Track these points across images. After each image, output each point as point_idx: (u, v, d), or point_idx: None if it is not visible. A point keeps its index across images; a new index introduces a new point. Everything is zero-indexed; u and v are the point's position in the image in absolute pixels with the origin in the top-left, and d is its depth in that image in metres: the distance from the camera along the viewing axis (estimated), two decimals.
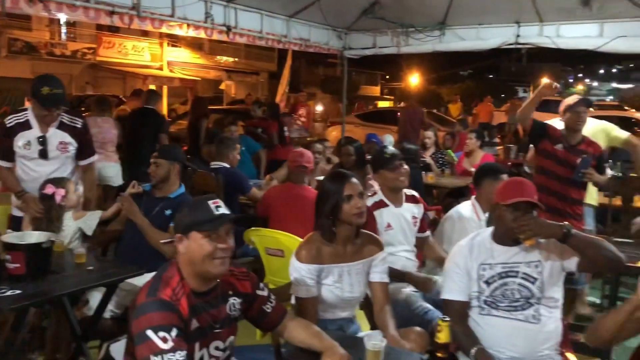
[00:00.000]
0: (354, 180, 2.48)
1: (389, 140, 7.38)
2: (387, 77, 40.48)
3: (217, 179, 4.27)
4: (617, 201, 4.87)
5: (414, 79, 36.45)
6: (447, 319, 1.71)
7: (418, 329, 2.50)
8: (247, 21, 6.24)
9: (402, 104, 10.55)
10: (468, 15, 6.79)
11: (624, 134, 4.69)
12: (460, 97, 20.74)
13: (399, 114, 10.38)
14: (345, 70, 8.13)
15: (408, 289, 3.12)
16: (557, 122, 4.25)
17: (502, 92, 39.46)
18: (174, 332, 1.71)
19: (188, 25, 5.50)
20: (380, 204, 3.24)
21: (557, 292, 2.43)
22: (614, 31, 6.20)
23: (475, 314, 2.43)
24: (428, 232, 3.42)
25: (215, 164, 4.60)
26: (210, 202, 1.91)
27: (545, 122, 4.34)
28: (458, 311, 2.42)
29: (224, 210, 1.92)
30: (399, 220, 3.26)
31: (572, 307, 4.22)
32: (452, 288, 2.47)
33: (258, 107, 8.52)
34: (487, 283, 2.41)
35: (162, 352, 1.67)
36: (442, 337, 1.68)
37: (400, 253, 3.25)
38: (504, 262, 2.41)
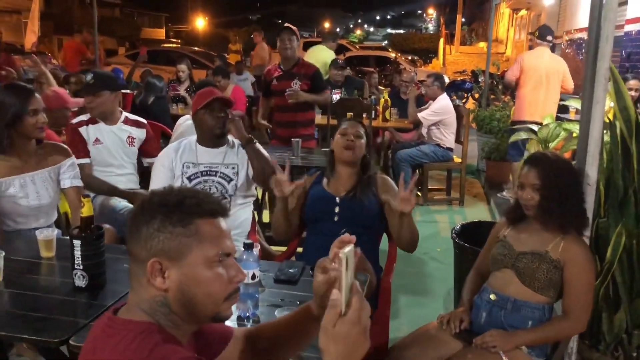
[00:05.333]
0: (39, 96, 2.55)
1: None
2: (173, 19, 39.05)
3: None
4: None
5: (200, 22, 35.86)
6: (90, 195, 1.94)
7: (107, 225, 2.73)
8: None
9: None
10: None
11: None
12: (246, 41, 21.01)
13: None
14: (94, 3, 7.74)
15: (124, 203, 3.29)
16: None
17: None
18: None
19: None
20: (89, 121, 3.31)
21: (250, 191, 2.90)
22: None
23: None
24: (154, 159, 3.37)
25: None
26: None
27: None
28: None
29: None
30: (110, 136, 3.33)
31: None
32: (156, 184, 2.77)
33: None
34: (190, 179, 2.78)
35: None
36: (85, 211, 1.91)
37: (113, 170, 3.33)
38: (206, 162, 2.80)
